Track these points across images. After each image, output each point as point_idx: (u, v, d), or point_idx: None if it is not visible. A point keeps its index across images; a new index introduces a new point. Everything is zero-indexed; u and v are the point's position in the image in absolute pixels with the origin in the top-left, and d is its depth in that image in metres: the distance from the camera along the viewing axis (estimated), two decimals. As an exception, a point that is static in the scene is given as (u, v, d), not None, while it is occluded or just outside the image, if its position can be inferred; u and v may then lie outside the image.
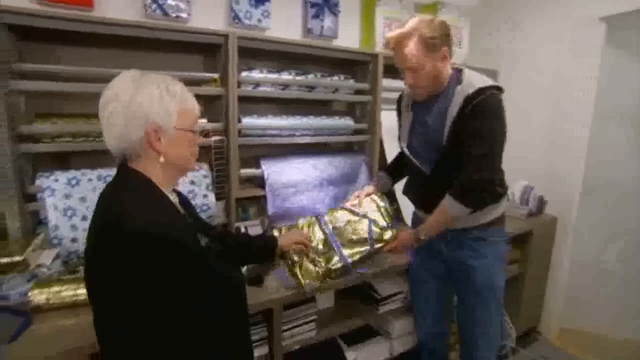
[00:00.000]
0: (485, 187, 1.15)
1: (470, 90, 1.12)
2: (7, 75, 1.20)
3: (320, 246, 1.33)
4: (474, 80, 1.15)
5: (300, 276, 1.26)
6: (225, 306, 0.85)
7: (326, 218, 1.42)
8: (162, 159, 0.80)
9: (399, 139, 1.40)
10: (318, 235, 1.36)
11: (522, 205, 2.11)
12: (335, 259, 1.30)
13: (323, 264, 1.29)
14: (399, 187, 1.57)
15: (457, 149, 1.16)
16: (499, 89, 1.17)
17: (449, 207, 1.19)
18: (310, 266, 1.28)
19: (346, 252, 1.33)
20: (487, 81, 1.15)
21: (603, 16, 1.98)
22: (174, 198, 0.87)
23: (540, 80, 2.25)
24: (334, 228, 1.38)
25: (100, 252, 0.71)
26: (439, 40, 1.15)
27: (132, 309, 0.69)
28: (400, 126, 1.41)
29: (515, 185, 2.18)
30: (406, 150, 1.36)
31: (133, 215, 0.69)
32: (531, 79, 2.28)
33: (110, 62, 1.43)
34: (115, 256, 0.68)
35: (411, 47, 1.15)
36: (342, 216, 1.42)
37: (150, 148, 0.78)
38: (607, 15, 1.97)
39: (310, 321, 1.36)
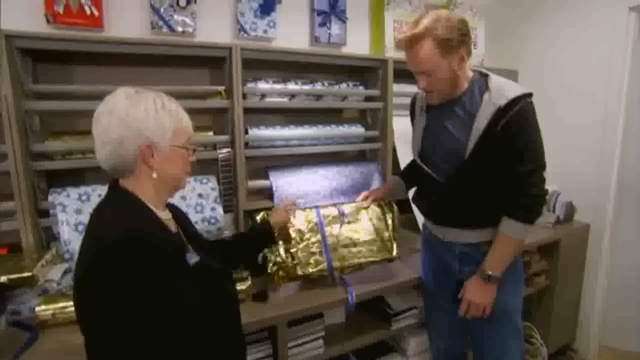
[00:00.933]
0: (541, 201, 1.10)
1: (502, 102, 1.03)
2: (22, 97, 1.25)
3: (312, 240, 1.35)
4: (504, 89, 1.06)
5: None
6: (216, 322, 0.83)
7: (323, 212, 1.41)
8: (154, 175, 0.79)
9: (413, 144, 1.33)
10: (310, 229, 1.37)
11: (548, 211, 1.97)
12: (321, 265, 1.32)
13: (307, 267, 1.30)
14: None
15: (483, 161, 1.09)
16: (530, 95, 1.07)
17: (512, 232, 1.10)
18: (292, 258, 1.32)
19: (333, 257, 1.33)
20: (517, 89, 1.06)
21: (633, 5, 1.84)
22: (165, 215, 0.86)
23: (565, 78, 2.11)
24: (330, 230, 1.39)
25: (83, 268, 0.70)
26: (455, 41, 1.05)
27: (117, 328, 0.67)
28: (413, 130, 1.33)
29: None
30: (417, 158, 1.29)
31: (113, 230, 0.69)
32: (555, 76, 2.15)
33: (121, 79, 1.47)
34: (96, 271, 0.67)
35: (425, 50, 1.04)
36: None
37: (143, 164, 0.78)
38: (637, 5, 1.83)
39: (318, 338, 1.31)
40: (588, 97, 2.02)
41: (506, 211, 1.10)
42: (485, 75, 1.13)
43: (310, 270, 1.30)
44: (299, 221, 1.39)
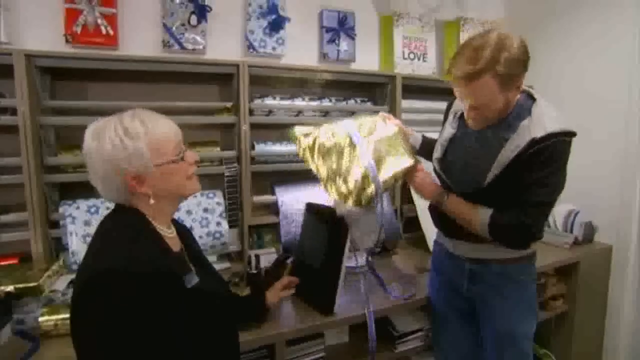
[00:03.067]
0: (527, 234, 1.03)
1: (539, 134, 0.96)
2: (38, 112, 1.31)
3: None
4: (545, 120, 0.98)
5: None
6: (213, 344, 0.82)
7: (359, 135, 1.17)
8: (152, 201, 0.78)
9: (435, 149, 1.26)
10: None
11: (565, 232, 1.88)
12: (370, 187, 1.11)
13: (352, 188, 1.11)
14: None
15: (501, 186, 1.04)
16: (572, 134, 0.99)
17: (479, 219, 1.04)
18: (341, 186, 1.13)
19: (382, 173, 1.12)
20: (559, 124, 0.97)
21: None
22: (170, 232, 0.85)
23: (583, 90, 2.03)
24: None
25: (74, 293, 0.70)
26: (517, 73, 0.96)
27: (104, 355, 0.67)
28: (440, 134, 1.26)
29: (557, 210, 1.95)
30: (436, 164, 1.23)
31: (105, 258, 0.69)
32: (573, 90, 2.07)
33: (134, 95, 1.52)
34: (82, 301, 0.67)
35: (483, 86, 0.94)
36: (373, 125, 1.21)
37: (139, 193, 0.77)
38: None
39: (318, 358, 1.27)
40: (608, 110, 1.93)
41: (495, 209, 1.04)
42: (533, 99, 1.04)
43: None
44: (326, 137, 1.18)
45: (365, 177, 1.10)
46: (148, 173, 0.76)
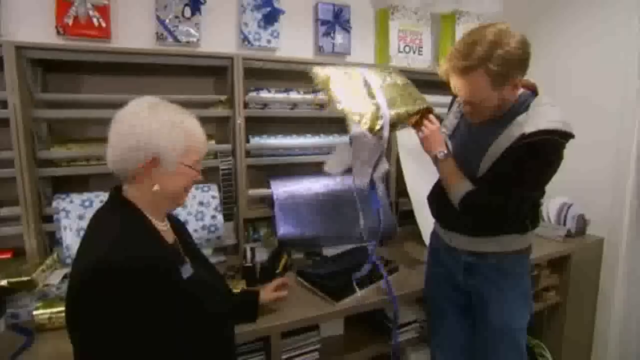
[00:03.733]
0: (490, 221, 1.06)
1: (529, 130, 0.94)
2: (30, 105, 1.29)
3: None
4: (539, 117, 0.96)
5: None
6: (207, 336, 0.82)
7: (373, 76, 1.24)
8: (156, 187, 0.79)
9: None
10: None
11: (558, 225, 1.90)
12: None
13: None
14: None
15: (495, 178, 1.04)
16: (567, 136, 0.95)
17: (458, 190, 1.07)
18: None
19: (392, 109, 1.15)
20: (554, 123, 0.94)
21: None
22: (163, 225, 0.86)
23: (579, 86, 2.03)
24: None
25: (70, 289, 0.70)
26: (512, 72, 0.93)
27: (100, 349, 0.68)
28: (442, 124, 1.25)
29: (550, 203, 1.97)
30: None
31: (101, 252, 0.69)
32: (568, 85, 2.08)
33: (127, 88, 1.50)
34: (78, 297, 0.68)
35: (475, 82, 0.94)
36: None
37: (146, 175, 0.78)
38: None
39: (313, 350, 1.28)
40: (602, 105, 1.94)
41: (475, 185, 1.07)
42: (536, 93, 1.03)
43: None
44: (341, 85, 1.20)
45: (377, 110, 1.12)
46: (168, 163, 0.78)
